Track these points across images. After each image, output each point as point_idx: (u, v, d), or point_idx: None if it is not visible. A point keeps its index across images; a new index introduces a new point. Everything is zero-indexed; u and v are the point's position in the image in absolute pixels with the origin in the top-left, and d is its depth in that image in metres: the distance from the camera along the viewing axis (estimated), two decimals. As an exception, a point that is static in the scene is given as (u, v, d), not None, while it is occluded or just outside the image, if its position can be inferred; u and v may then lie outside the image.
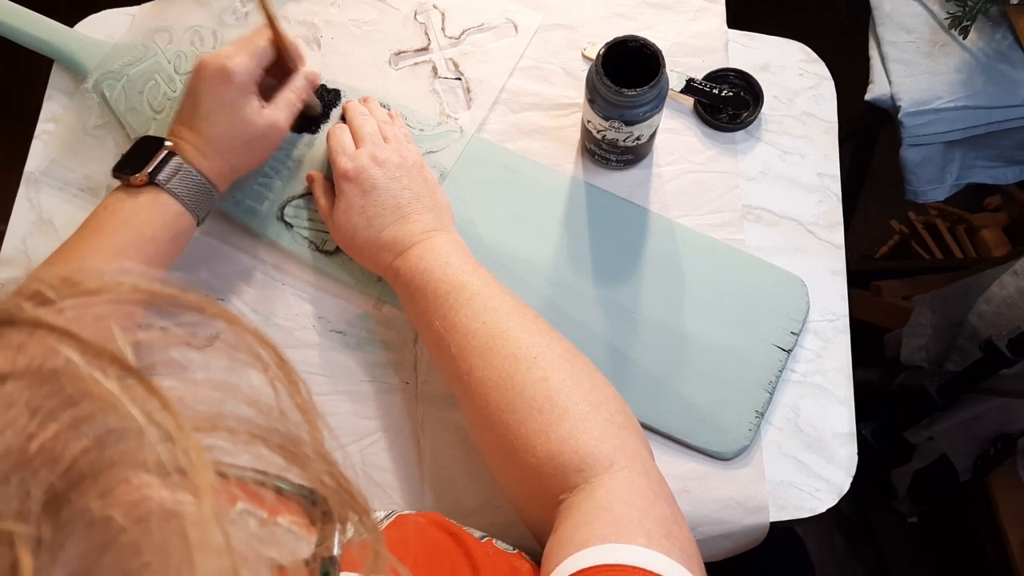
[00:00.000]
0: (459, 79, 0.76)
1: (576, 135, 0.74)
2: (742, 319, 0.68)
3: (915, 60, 0.87)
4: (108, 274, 0.25)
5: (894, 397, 1.11)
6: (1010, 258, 1.08)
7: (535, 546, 0.54)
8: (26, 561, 0.20)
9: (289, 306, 0.70)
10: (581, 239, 0.70)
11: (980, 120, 0.87)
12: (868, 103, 0.89)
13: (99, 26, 0.79)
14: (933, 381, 1.01)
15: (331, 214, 0.66)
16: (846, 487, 0.65)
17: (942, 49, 0.87)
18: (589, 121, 0.67)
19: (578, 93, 0.75)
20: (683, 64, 0.76)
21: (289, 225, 0.71)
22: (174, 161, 0.62)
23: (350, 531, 0.30)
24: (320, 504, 0.28)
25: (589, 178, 0.73)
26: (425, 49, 0.77)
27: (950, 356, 1.07)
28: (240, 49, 0.63)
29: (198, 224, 0.65)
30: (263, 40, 0.64)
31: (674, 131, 0.74)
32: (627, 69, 0.62)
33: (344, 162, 0.65)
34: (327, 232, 0.70)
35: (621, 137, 0.67)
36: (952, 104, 0.85)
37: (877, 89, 0.88)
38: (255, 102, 0.64)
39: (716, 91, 0.73)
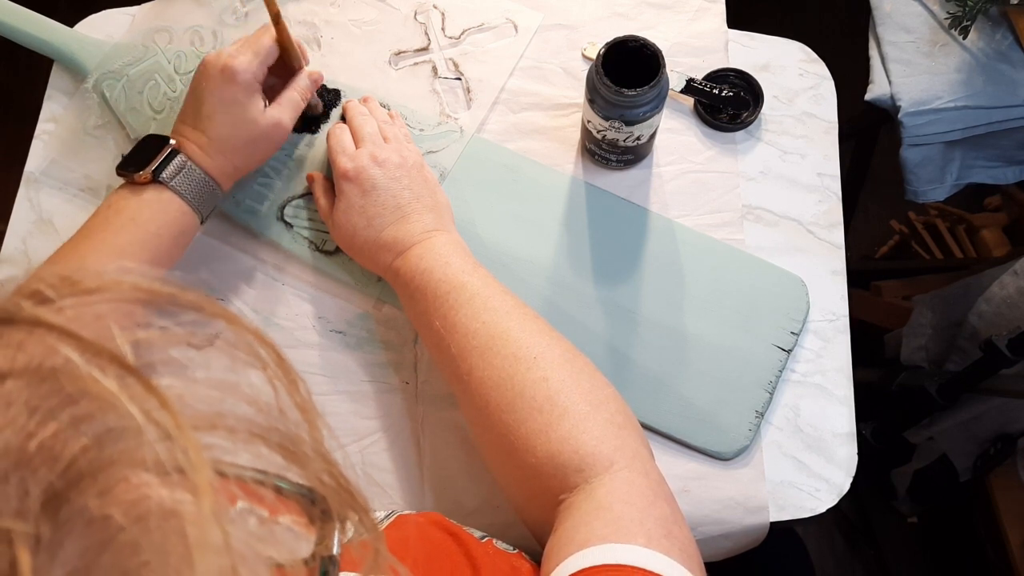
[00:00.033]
0: (459, 79, 0.76)
1: (576, 135, 0.74)
2: (742, 319, 0.68)
3: (915, 60, 0.87)
4: (107, 273, 0.25)
5: (894, 397, 1.11)
6: (1010, 258, 1.08)
7: (535, 546, 0.54)
8: (24, 559, 0.20)
9: (289, 306, 0.70)
10: (581, 239, 0.70)
11: (980, 120, 0.87)
12: (868, 103, 0.89)
13: (99, 26, 0.80)
14: (933, 381, 1.01)
15: (331, 214, 0.66)
16: (846, 487, 0.65)
17: (942, 49, 0.87)
18: (589, 121, 0.67)
19: (578, 93, 0.75)
20: (683, 64, 0.76)
21: (289, 225, 0.71)
22: (178, 159, 0.62)
23: (350, 531, 0.30)
24: (319, 503, 0.28)
25: (589, 178, 0.73)
26: (425, 49, 0.77)
27: (950, 356, 1.07)
28: (244, 48, 0.63)
29: (202, 222, 0.65)
30: (268, 39, 0.64)
31: (674, 131, 0.74)
32: (627, 69, 0.62)
33: (344, 162, 0.65)
34: (327, 232, 0.70)
35: (621, 137, 0.67)
36: (952, 104, 0.85)
37: (877, 89, 0.88)
38: (259, 102, 0.64)
39: (716, 91, 0.73)
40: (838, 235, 0.72)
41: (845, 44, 1.15)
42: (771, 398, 0.66)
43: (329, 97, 0.74)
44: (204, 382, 0.25)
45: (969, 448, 1.12)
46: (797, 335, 0.68)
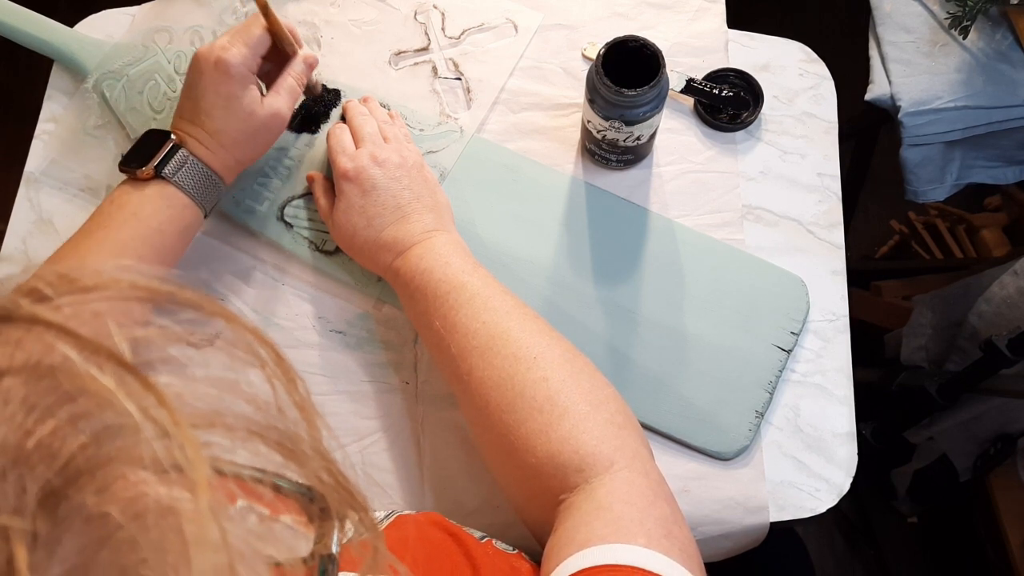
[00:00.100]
0: (459, 79, 0.76)
1: (576, 135, 0.74)
2: (742, 319, 0.68)
3: (915, 60, 0.87)
4: (106, 271, 0.25)
5: (894, 397, 1.11)
6: (1010, 258, 1.08)
7: (535, 546, 0.54)
8: (22, 556, 0.20)
9: (289, 306, 0.70)
10: (581, 239, 0.70)
11: (980, 120, 0.87)
12: (868, 103, 0.89)
13: (99, 26, 0.80)
14: (933, 381, 1.01)
15: (331, 214, 0.66)
16: (846, 487, 0.65)
17: (942, 49, 0.87)
18: (589, 121, 0.67)
19: (578, 93, 0.75)
20: (683, 64, 0.76)
21: (289, 225, 0.71)
22: (180, 154, 0.62)
23: (349, 530, 0.30)
24: (318, 501, 0.28)
25: (589, 178, 0.73)
26: (425, 49, 0.77)
27: (950, 356, 1.07)
28: (235, 39, 0.62)
29: (205, 217, 0.65)
30: (258, 28, 0.63)
31: (674, 131, 0.74)
32: (627, 69, 0.62)
33: (344, 162, 0.65)
34: (327, 232, 0.70)
35: (621, 137, 0.67)
36: (952, 104, 0.85)
37: (877, 89, 0.88)
38: (255, 92, 0.64)
39: (716, 91, 0.73)
40: (838, 235, 0.72)
41: (845, 44, 1.15)
42: (771, 398, 0.66)
43: (329, 97, 0.74)
44: (203, 380, 0.25)
45: (969, 448, 1.12)
46: (797, 335, 0.68)
